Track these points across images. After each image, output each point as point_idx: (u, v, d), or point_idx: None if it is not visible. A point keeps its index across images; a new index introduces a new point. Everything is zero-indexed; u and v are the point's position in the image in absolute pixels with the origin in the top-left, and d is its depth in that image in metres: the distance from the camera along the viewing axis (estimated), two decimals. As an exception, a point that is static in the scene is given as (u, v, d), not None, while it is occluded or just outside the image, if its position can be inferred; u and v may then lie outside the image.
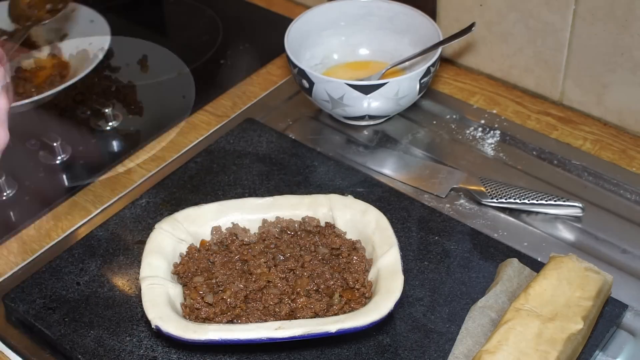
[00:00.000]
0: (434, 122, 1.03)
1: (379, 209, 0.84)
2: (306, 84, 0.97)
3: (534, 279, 0.76)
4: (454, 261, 0.84)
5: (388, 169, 0.97)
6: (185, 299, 0.78)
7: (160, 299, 0.75)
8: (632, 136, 1.00)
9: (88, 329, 0.79)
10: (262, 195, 0.91)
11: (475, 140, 1.00)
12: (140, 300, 0.76)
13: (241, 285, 0.77)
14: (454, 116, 1.04)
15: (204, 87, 1.11)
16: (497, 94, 1.07)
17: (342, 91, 0.95)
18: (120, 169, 1.00)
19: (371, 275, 0.78)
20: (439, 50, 0.97)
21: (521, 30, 1.03)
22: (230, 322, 0.75)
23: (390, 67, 1.03)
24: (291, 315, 0.76)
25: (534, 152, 0.98)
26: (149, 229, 0.85)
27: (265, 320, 0.75)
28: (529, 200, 0.89)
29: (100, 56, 1.07)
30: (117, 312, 0.80)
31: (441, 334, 0.77)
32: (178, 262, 0.81)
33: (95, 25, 1.13)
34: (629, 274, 0.83)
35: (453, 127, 1.02)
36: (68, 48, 1.12)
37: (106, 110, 1.03)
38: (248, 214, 0.85)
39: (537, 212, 0.90)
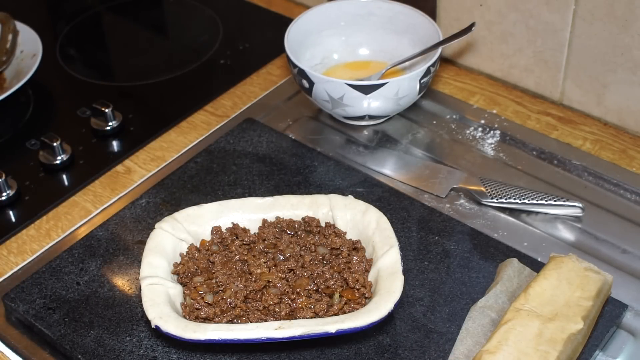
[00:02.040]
0: (434, 122, 1.03)
1: (379, 209, 0.84)
2: (306, 84, 0.97)
3: (534, 279, 0.76)
4: (454, 261, 0.84)
5: (388, 169, 0.97)
6: (185, 298, 0.78)
7: (160, 298, 0.75)
8: (632, 136, 1.00)
9: (88, 329, 0.79)
10: (262, 195, 0.91)
11: (475, 140, 1.00)
12: (140, 300, 0.76)
13: (241, 285, 0.77)
14: (454, 116, 1.04)
15: (204, 87, 1.11)
16: (497, 94, 1.07)
17: (342, 91, 0.95)
18: (120, 169, 1.00)
19: (371, 276, 0.78)
20: (439, 50, 0.98)
21: (521, 30, 1.03)
22: (230, 322, 0.75)
23: (390, 67, 1.03)
24: (291, 316, 0.76)
25: (534, 152, 0.98)
26: (149, 229, 0.85)
27: (265, 320, 0.75)
28: (529, 200, 0.89)
29: (37, 61, 1.07)
30: (117, 312, 0.80)
31: (441, 334, 0.77)
32: (178, 262, 0.81)
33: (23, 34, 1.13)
34: (629, 274, 0.83)
35: (453, 127, 1.02)
36: None
37: (106, 110, 1.03)
38: (248, 214, 0.85)
39: (537, 212, 0.90)
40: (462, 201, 0.92)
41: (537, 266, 0.82)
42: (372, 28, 1.08)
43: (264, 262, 0.80)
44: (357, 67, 1.07)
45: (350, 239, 0.83)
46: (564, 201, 0.89)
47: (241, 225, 0.85)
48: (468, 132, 1.02)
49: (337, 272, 0.79)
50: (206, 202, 0.86)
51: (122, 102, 1.09)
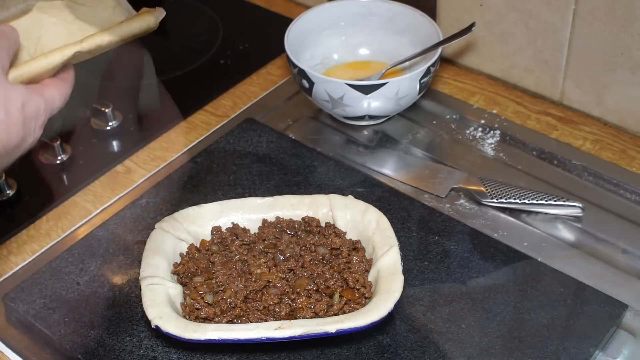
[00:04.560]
0: (434, 122, 1.03)
1: (379, 209, 0.84)
2: (306, 84, 0.97)
3: None
4: (454, 261, 0.84)
5: (388, 169, 0.97)
6: (185, 299, 0.78)
7: (160, 298, 0.75)
8: (632, 136, 1.00)
9: (88, 329, 0.79)
10: (262, 195, 0.91)
11: (475, 140, 1.00)
12: (140, 300, 0.76)
13: (241, 285, 0.77)
14: (454, 116, 1.04)
15: (204, 87, 1.11)
16: (497, 94, 1.07)
17: (342, 91, 0.95)
18: (120, 169, 1.00)
19: (371, 276, 0.78)
20: (439, 50, 0.98)
21: (521, 30, 1.03)
22: (230, 322, 0.75)
23: (390, 67, 1.03)
24: (291, 316, 0.76)
25: (534, 152, 0.98)
26: (149, 229, 0.85)
27: (265, 320, 0.75)
28: (529, 200, 0.89)
29: None
30: (117, 312, 0.80)
31: (441, 334, 0.77)
32: (178, 262, 0.81)
33: None
34: (629, 274, 0.83)
35: (453, 127, 1.02)
36: None
37: (106, 110, 1.03)
38: (248, 214, 0.85)
39: (537, 212, 0.90)
40: (462, 201, 0.92)
41: (536, 266, 0.82)
42: (372, 28, 1.08)
43: (264, 262, 0.80)
44: (357, 67, 1.07)
45: (350, 239, 0.83)
46: (564, 201, 0.89)
47: (241, 225, 0.85)
48: (468, 132, 1.02)
49: (337, 272, 0.79)
50: (206, 202, 0.86)
51: (122, 102, 1.08)
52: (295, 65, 0.97)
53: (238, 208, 0.85)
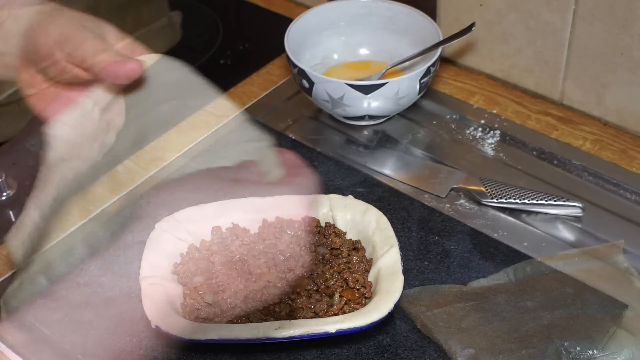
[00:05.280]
0: (434, 122, 1.03)
1: (379, 209, 0.84)
2: (306, 84, 0.97)
3: None
4: (454, 261, 0.84)
5: (388, 169, 0.97)
6: (185, 299, 0.78)
7: (160, 298, 0.75)
8: (632, 136, 1.00)
9: (88, 329, 0.79)
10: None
11: (475, 140, 1.00)
12: (140, 300, 0.76)
13: (241, 286, 0.77)
14: (454, 116, 1.04)
15: (204, 87, 1.11)
16: (497, 94, 1.07)
17: (342, 91, 0.95)
18: (120, 169, 1.00)
19: (371, 276, 0.78)
20: (439, 50, 0.98)
21: (521, 30, 1.03)
22: (230, 322, 0.75)
23: (390, 67, 1.03)
24: (291, 316, 0.76)
25: (534, 152, 0.98)
26: (149, 229, 0.85)
27: (265, 320, 0.75)
28: (529, 200, 0.89)
29: None
30: (117, 312, 0.80)
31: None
32: (178, 262, 0.81)
33: None
34: (629, 274, 0.83)
35: (453, 127, 1.02)
36: None
37: (106, 110, 1.03)
38: (248, 214, 0.85)
39: (537, 212, 0.90)
40: (462, 201, 0.92)
41: (536, 266, 0.82)
42: (372, 28, 1.08)
43: (264, 262, 0.80)
44: (357, 67, 1.07)
45: (350, 239, 0.83)
46: (564, 201, 0.89)
47: (241, 225, 0.84)
48: (468, 132, 1.02)
49: (337, 272, 0.79)
50: (206, 202, 0.86)
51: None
52: (295, 65, 0.97)
53: (238, 208, 0.85)
